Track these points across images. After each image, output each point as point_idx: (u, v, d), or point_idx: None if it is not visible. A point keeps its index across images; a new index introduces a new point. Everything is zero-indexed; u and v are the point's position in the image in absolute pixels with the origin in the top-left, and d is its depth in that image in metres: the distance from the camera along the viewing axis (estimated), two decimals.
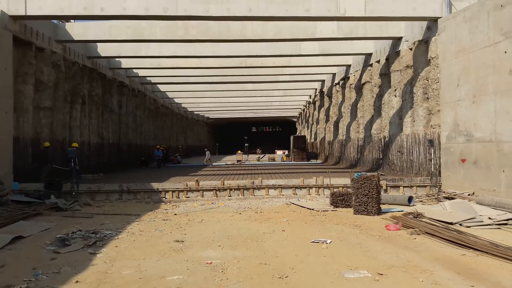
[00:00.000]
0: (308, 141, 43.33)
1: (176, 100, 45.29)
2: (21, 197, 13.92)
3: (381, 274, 6.19)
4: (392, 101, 21.20)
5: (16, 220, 10.43)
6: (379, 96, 23.07)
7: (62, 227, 10.11)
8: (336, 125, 31.70)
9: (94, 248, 7.99)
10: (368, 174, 11.68)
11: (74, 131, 22.28)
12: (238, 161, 38.08)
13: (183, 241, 8.49)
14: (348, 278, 6.07)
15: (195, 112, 57.69)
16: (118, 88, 28.71)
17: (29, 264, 6.89)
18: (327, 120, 35.06)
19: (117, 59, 26.13)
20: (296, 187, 16.02)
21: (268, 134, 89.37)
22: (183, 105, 49.20)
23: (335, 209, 12.58)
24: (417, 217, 10.48)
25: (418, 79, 18.36)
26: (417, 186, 16.12)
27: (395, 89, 20.88)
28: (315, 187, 15.99)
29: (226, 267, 6.62)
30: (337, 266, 6.62)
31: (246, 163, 36.59)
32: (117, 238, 8.89)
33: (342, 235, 8.95)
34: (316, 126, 40.38)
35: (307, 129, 47.55)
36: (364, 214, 11.36)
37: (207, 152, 34.28)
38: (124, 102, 30.13)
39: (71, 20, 21.55)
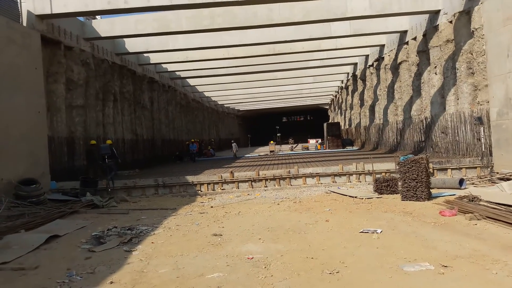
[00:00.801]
0: (342, 127, 42.12)
1: (206, 94, 45.17)
2: (59, 196, 13.93)
3: (445, 266, 5.46)
4: (432, 79, 19.93)
5: (53, 219, 10.30)
6: (418, 75, 21.79)
7: (98, 224, 9.89)
8: (372, 109, 30.46)
9: (130, 245, 7.65)
10: (416, 156, 10.79)
11: (108, 128, 22.37)
12: (271, 151, 37.46)
13: (221, 235, 8.02)
14: (408, 271, 5.38)
15: (225, 105, 57.50)
16: (148, 84, 28.72)
17: (64, 264, 6.60)
18: (361, 105, 33.82)
19: (145, 54, 26.05)
20: (335, 175, 15.26)
21: (300, 124, 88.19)
22: (213, 99, 49.06)
23: (380, 196, 11.78)
24: (473, 201, 9.56)
25: (461, 54, 17.08)
26: (466, 168, 14.98)
27: (435, 66, 19.60)
28: (356, 173, 15.17)
29: (269, 263, 6.07)
30: (393, 259, 5.92)
31: (279, 153, 35.95)
32: (153, 234, 8.53)
33: (393, 223, 8.20)
34: (350, 112, 39.11)
35: (340, 115, 46.27)
36: (413, 200, 10.51)
37: (234, 144, 34.03)
38: (156, 98, 30.15)
39: (98, 17, 21.53)
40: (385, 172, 14.77)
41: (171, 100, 33.82)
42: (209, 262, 6.29)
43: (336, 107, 50.74)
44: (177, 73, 32.47)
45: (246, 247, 7.01)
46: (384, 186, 12.18)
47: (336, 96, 49.70)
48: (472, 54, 16.52)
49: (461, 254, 5.98)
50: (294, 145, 47.33)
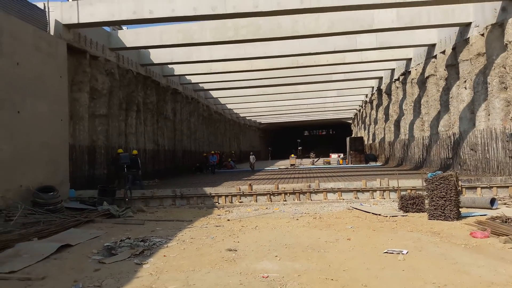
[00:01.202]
0: (366, 142, 41.27)
1: (229, 106, 45.25)
2: (76, 204, 13.90)
3: None
4: (461, 94, 19.20)
5: (68, 228, 10.18)
6: (446, 90, 21.09)
7: (112, 234, 9.68)
8: (397, 124, 29.69)
9: (141, 258, 7.36)
10: (445, 173, 10.20)
11: (130, 138, 22.46)
12: (291, 165, 36.97)
13: (236, 250, 7.65)
14: None
15: (247, 118, 57.49)
16: (172, 95, 28.89)
17: (72, 276, 6.37)
18: (386, 120, 33.06)
19: (169, 66, 26.27)
20: (358, 191, 14.71)
21: (321, 138, 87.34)
22: (235, 111, 49.12)
23: (405, 214, 11.18)
24: (506, 222, 8.89)
25: (493, 68, 16.39)
26: (497, 187, 14.16)
27: (465, 81, 18.90)
28: (379, 190, 14.57)
29: (285, 283, 5.66)
30: (421, 283, 5.42)
31: (300, 167, 35.42)
32: (166, 247, 8.24)
33: (420, 244, 7.65)
34: (374, 127, 38.33)
35: (364, 130, 45.44)
36: (441, 219, 9.90)
37: (252, 156, 33.82)
38: (178, 109, 30.28)
39: (124, 27, 21.83)
40: (411, 189, 14.12)
41: (193, 111, 33.94)
42: (222, 280, 5.93)
43: (360, 122, 49.94)
44: (201, 84, 32.62)
45: (262, 265, 6.62)
46: (410, 204, 11.58)
47: (359, 111, 48.94)
48: (505, 68, 15.82)
49: (496, 281, 5.42)
50: (316, 159, 46.64)
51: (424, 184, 10.65)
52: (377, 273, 5.95)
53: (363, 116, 46.03)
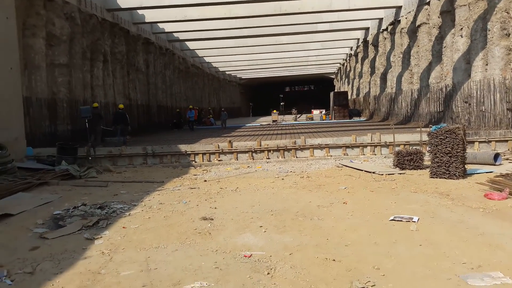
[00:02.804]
0: (349, 97, 40.00)
1: (207, 60, 42.81)
2: (32, 164, 12.26)
3: None
4: (457, 43, 17.82)
5: (15, 192, 8.65)
6: (439, 39, 19.64)
7: (67, 199, 8.22)
8: (384, 77, 28.34)
9: (95, 231, 5.98)
10: (451, 126, 8.98)
11: (97, 91, 20.50)
12: (273, 121, 35.55)
13: (212, 219, 6.34)
14: (476, 287, 3.69)
15: (227, 73, 55.12)
16: (143, 45, 26.60)
17: (0, 258, 4.95)
18: (372, 73, 31.64)
19: (139, 11, 23.85)
20: (347, 147, 13.50)
21: (303, 94, 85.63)
22: (214, 65, 46.72)
23: (402, 171, 10.05)
24: None
25: (495, 12, 14.94)
26: (496, 141, 13.18)
27: (461, 28, 17.45)
28: (370, 145, 13.41)
29: (273, 265, 4.39)
30: (448, 263, 4.23)
31: (283, 123, 34.10)
32: (128, 215, 6.86)
33: (429, 208, 6.49)
34: (359, 81, 36.94)
35: (348, 84, 44.06)
36: (445, 177, 8.78)
37: (224, 113, 30.43)
38: (152, 61, 28.08)
39: None
40: (404, 144, 13.01)
41: (168, 64, 31.73)
42: (192, 261, 4.61)
43: (343, 76, 48.45)
44: (175, 35, 30.19)
45: (243, 239, 5.32)
46: (406, 160, 10.45)
47: (343, 65, 47.29)
48: (508, 12, 14.43)
49: None
50: (298, 115, 45.31)
51: (427, 138, 9.44)
52: (389, 249, 4.73)
53: (347, 70, 44.48)
